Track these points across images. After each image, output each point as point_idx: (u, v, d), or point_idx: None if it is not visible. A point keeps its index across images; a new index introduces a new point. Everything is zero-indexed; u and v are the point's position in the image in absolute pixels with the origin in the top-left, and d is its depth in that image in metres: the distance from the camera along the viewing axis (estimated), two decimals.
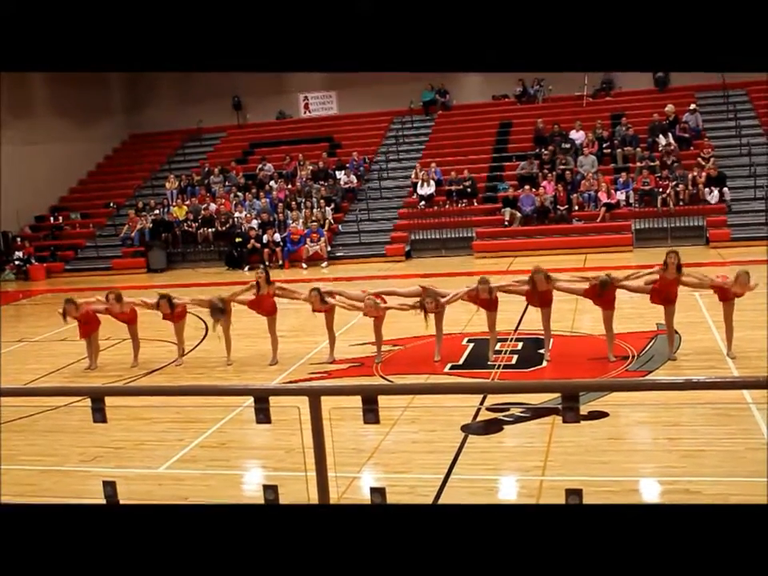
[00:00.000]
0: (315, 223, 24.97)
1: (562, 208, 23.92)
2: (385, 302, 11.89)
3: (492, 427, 9.18)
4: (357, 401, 3.73)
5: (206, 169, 29.81)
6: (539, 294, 11.29)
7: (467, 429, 9.10)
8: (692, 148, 25.37)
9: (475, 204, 25.44)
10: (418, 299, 11.57)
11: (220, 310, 11.71)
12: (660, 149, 25.03)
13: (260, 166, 29.02)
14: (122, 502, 4.32)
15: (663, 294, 10.92)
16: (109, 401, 4.15)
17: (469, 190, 25.44)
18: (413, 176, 26.69)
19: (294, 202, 26.45)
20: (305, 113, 33.15)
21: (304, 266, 24.25)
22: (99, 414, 3.93)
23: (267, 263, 24.57)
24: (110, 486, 4.15)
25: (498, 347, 11.96)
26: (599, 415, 8.98)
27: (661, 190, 23.23)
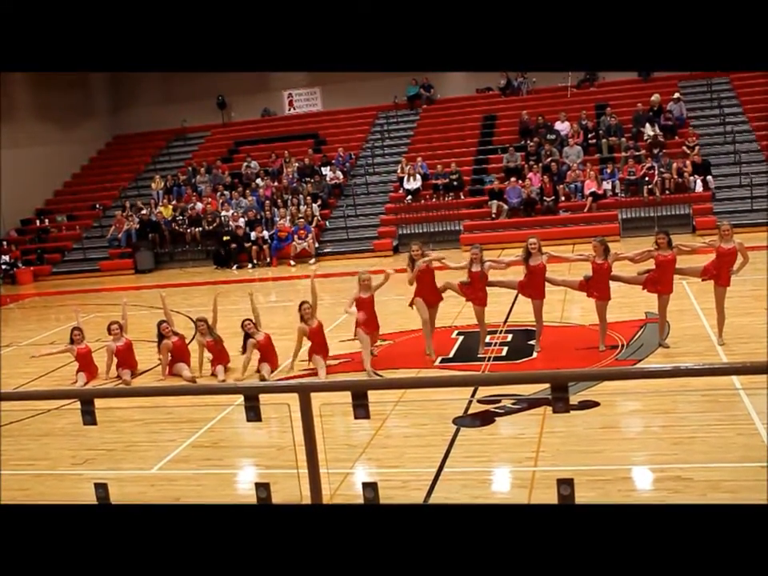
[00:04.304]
0: (302, 220, 24.94)
1: (548, 199, 23.95)
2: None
3: (484, 419, 9.20)
4: (347, 396, 3.74)
5: (192, 168, 29.72)
6: (530, 272, 11.27)
7: (459, 422, 9.12)
8: (676, 137, 25.43)
9: (462, 197, 25.45)
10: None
11: None
12: (646, 138, 25.08)
13: (246, 163, 28.94)
14: (114, 503, 4.31)
15: (659, 279, 10.90)
16: (99, 403, 4.14)
17: (455, 183, 25.44)
18: (399, 171, 26.66)
19: (280, 200, 26.40)
20: (289, 110, 33.07)
21: (292, 263, 24.23)
22: (89, 417, 3.92)
23: (255, 262, 24.57)
24: (101, 489, 4.14)
25: (487, 339, 11.98)
26: (590, 405, 9.01)
27: (647, 179, 23.29)
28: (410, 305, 11.89)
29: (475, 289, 11.52)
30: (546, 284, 11.46)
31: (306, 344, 11.76)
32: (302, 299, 12.08)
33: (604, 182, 23.91)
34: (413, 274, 11.63)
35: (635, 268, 11.40)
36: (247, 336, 11.80)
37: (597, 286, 11.09)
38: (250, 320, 11.89)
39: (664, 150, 24.33)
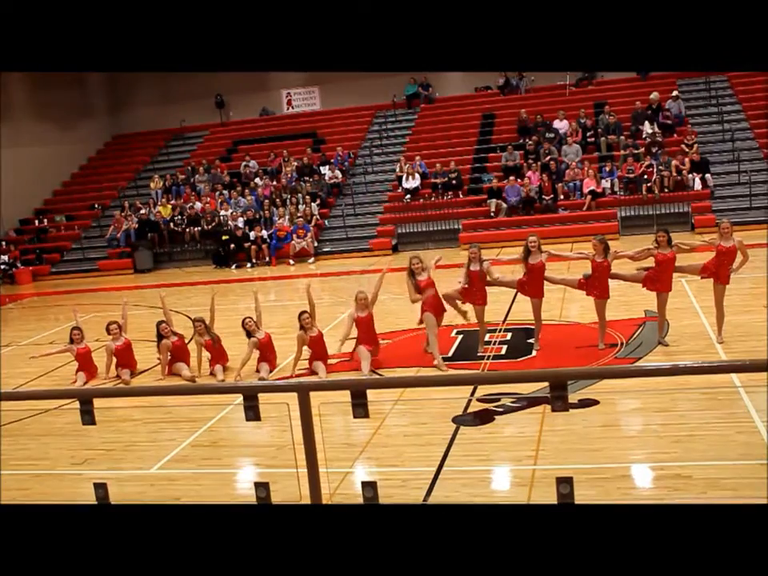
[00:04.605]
0: (301, 219, 24.94)
1: (547, 198, 23.95)
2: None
3: (483, 418, 9.20)
4: (346, 395, 3.73)
5: (191, 168, 29.71)
6: (530, 271, 11.26)
7: (458, 420, 9.12)
8: (675, 135, 25.43)
9: (460, 196, 25.45)
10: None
11: None
12: (644, 136, 25.09)
13: (244, 163, 28.93)
14: (114, 503, 4.31)
15: (658, 277, 10.90)
16: (98, 402, 4.14)
17: (454, 182, 25.44)
18: (397, 170, 26.67)
19: (279, 199, 26.41)
20: (288, 109, 33.06)
21: (291, 262, 24.23)
22: (88, 416, 3.92)
23: (254, 261, 24.58)
24: (101, 488, 4.14)
25: (486, 338, 11.97)
26: (589, 403, 9.01)
27: (646, 177, 23.31)
28: (420, 322, 11.62)
29: (475, 288, 11.49)
30: (545, 282, 11.46)
31: (306, 352, 11.70)
32: (301, 299, 12.09)
33: (603, 181, 23.92)
34: (422, 297, 11.26)
35: (635, 266, 11.40)
36: (248, 334, 11.79)
37: (596, 284, 11.09)
38: (251, 318, 11.87)
39: (663, 148, 24.33)
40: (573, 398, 8.62)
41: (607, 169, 24.10)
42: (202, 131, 33.19)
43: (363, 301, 11.39)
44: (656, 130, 25.10)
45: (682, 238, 13.51)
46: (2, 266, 27.18)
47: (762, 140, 24.54)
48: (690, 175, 23.17)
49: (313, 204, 25.93)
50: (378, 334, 12.32)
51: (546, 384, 3.63)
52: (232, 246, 25.01)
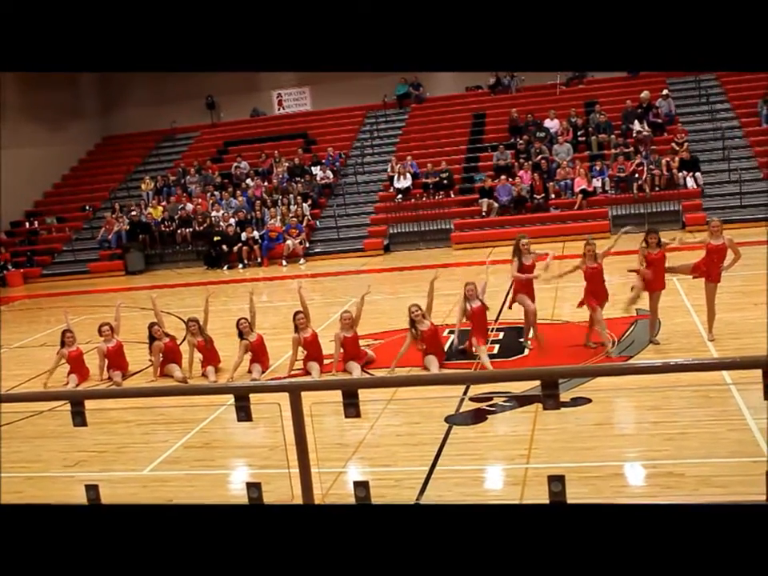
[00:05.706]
0: (294, 219, 24.93)
1: (538, 197, 23.99)
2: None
3: (476, 417, 9.21)
4: (338, 395, 3.73)
5: (182, 169, 29.67)
6: (523, 271, 11.24)
7: (451, 420, 9.13)
8: (665, 133, 25.49)
9: (452, 196, 25.47)
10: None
11: None
12: (634, 135, 25.14)
13: (235, 164, 28.90)
14: (104, 504, 4.30)
15: (650, 276, 10.92)
16: (90, 404, 4.13)
17: (445, 181, 25.46)
18: (389, 170, 26.67)
19: (270, 200, 26.38)
20: (279, 110, 33.04)
21: (283, 262, 24.20)
22: (79, 418, 3.91)
23: (246, 262, 24.55)
24: (92, 490, 4.13)
25: None
26: (582, 401, 9.03)
27: (636, 175, 23.35)
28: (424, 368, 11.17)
29: (478, 326, 11.28)
30: (536, 282, 11.48)
31: (302, 354, 11.67)
32: (292, 300, 12.08)
33: (594, 179, 23.95)
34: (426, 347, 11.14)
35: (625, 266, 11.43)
36: (241, 335, 11.76)
37: (595, 289, 11.08)
38: (246, 319, 11.83)
39: (653, 147, 24.39)
40: (565, 396, 8.62)
41: (598, 168, 24.14)
42: (193, 132, 33.14)
43: (348, 321, 11.37)
44: (646, 128, 25.15)
45: (673, 236, 13.51)
46: None
47: (751, 138, 24.62)
48: (681, 174, 23.22)
49: (304, 204, 25.90)
50: (371, 335, 12.35)
51: (539, 382, 3.63)
52: (223, 247, 24.98)
